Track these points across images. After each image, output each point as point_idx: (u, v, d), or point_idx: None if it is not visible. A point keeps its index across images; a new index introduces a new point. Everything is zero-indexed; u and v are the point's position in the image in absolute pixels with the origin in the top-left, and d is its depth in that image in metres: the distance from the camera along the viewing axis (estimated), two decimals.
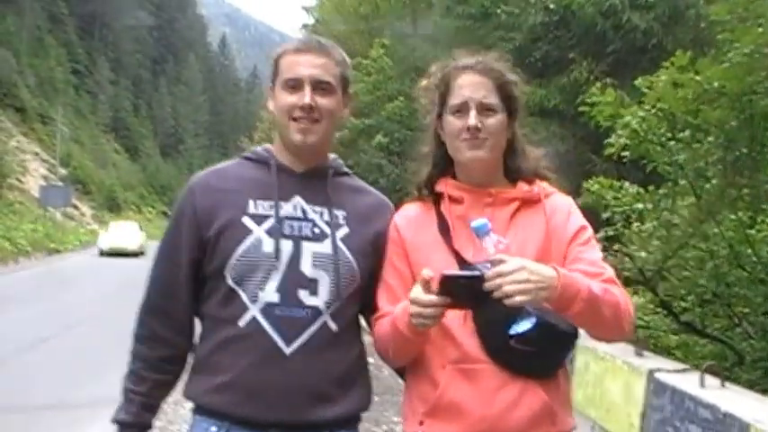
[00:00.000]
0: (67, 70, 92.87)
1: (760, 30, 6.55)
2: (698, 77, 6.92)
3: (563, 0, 15.18)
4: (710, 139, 7.58)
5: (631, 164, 9.06)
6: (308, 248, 2.80)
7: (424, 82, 2.88)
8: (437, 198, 2.85)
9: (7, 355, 11.69)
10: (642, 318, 9.75)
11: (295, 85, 2.83)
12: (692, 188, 7.87)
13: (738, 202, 8.25)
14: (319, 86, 2.84)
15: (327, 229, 2.85)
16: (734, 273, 8.71)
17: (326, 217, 2.87)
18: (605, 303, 2.51)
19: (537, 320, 2.43)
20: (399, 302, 2.67)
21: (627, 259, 8.79)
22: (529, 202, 2.77)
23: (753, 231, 9.35)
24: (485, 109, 2.67)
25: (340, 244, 2.84)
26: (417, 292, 2.45)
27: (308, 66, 2.85)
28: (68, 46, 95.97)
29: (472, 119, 2.66)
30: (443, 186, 2.81)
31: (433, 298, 2.41)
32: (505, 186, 2.80)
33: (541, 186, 2.81)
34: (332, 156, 3.05)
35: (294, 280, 2.75)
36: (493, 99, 2.68)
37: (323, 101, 2.84)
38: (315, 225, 2.85)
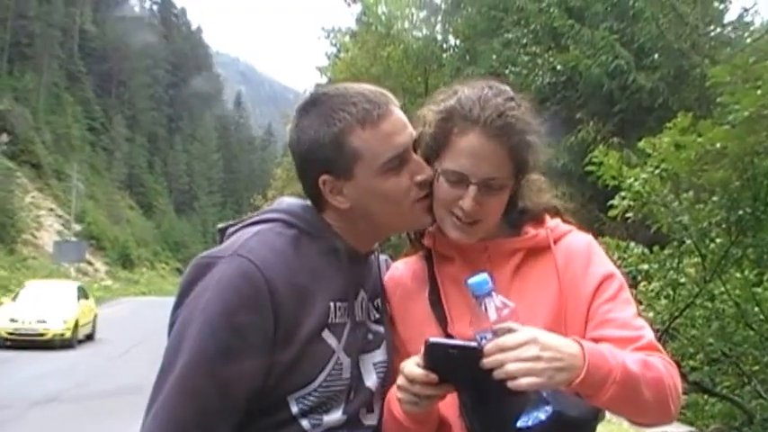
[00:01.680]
0: (84, 127, 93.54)
1: (759, 92, 6.65)
2: (700, 139, 7.00)
3: (570, 61, 15.27)
4: (715, 199, 7.63)
5: (640, 222, 9.12)
6: (369, 359, 2.27)
7: (421, 126, 2.26)
8: (430, 254, 2.34)
9: None
10: None
11: (398, 163, 2.20)
12: (696, 248, 7.89)
13: (744, 260, 8.29)
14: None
15: (381, 330, 2.32)
16: (741, 331, 8.71)
17: (373, 314, 2.32)
18: (647, 383, 1.94)
19: (552, 411, 1.90)
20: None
21: None
22: (536, 251, 2.24)
23: (759, 290, 9.29)
24: (488, 187, 2.14)
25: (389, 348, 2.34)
26: (410, 365, 1.97)
27: (400, 130, 2.23)
28: (85, 103, 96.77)
29: (468, 201, 2.13)
30: (431, 241, 2.31)
31: (418, 372, 1.92)
32: (506, 234, 2.28)
33: (552, 226, 2.27)
34: None
35: (360, 399, 2.21)
36: (501, 173, 2.14)
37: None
38: (368, 329, 2.28)
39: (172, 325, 2.10)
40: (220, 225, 2.36)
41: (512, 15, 17.12)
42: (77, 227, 71.84)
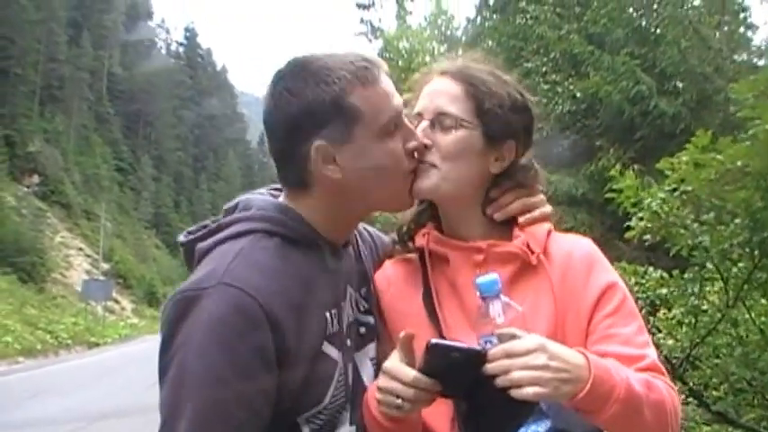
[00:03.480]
0: (112, 168, 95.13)
1: None
2: (719, 156, 6.73)
3: (590, 88, 14.98)
4: (738, 221, 7.32)
5: (662, 252, 8.89)
6: (365, 356, 2.16)
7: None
8: (423, 255, 2.21)
9: None
10: None
11: (396, 126, 2.09)
12: (718, 271, 7.59)
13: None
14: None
15: (372, 320, 2.20)
16: (765, 358, 8.39)
17: (363, 305, 2.19)
18: (649, 405, 1.85)
19: (551, 427, 1.82)
20: None
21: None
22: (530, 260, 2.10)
23: None
24: (441, 123, 2.07)
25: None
26: (395, 361, 1.85)
27: (395, 93, 2.11)
28: (113, 144, 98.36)
29: (417, 136, 2.07)
30: (424, 240, 2.20)
31: (413, 374, 1.78)
32: (496, 235, 2.16)
33: (536, 233, 2.13)
34: None
35: (362, 402, 2.08)
36: (455, 110, 2.07)
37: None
38: (360, 323, 2.16)
39: (162, 370, 1.88)
40: (182, 238, 2.15)
41: (531, 44, 16.93)
42: (105, 265, 72.72)
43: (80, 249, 73.50)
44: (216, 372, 1.82)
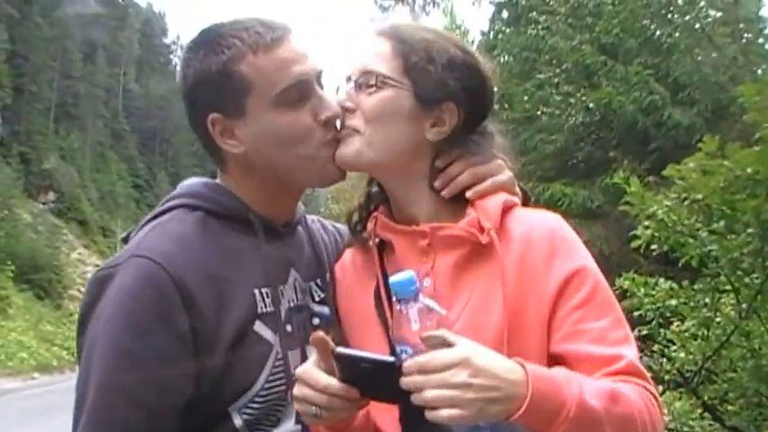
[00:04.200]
0: (128, 184, 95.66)
1: None
2: (726, 162, 6.55)
3: (602, 98, 14.84)
4: (750, 230, 7.13)
5: (683, 267, 8.74)
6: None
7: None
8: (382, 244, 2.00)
9: None
10: (687, 423, 9.20)
11: (299, 95, 1.93)
12: (729, 282, 7.40)
13: None
14: (320, 84, 2.01)
15: (326, 312, 2.05)
16: None
17: (317, 294, 2.06)
18: (611, 421, 1.58)
19: None
20: None
21: (665, 360, 8.35)
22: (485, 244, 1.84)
23: None
24: (366, 83, 1.87)
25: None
26: (308, 366, 1.65)
27: (303, 58, 1.94)
28: (129, 161, 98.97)
29: (339, 97, 1.91)
30: (372, 225, 1.99)
31: (324, 381, 1.60)
32: (445, 216, 1.92)
33: (487, 207, 1.87)
34: None
35: None
36: (382, 67, 1.86)
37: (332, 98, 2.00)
38: (312, 313, 2.03)
39: (78, 349, 1.85)
40: (123, 234, 2.08)
41: (544, 55, 16.86)
42: None
43: (97, 266, 73.41)
44: (118, 342, 1.75)
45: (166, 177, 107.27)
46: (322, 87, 1.98)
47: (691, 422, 9.54)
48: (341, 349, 1.62)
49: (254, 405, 1.85)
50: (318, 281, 2.09)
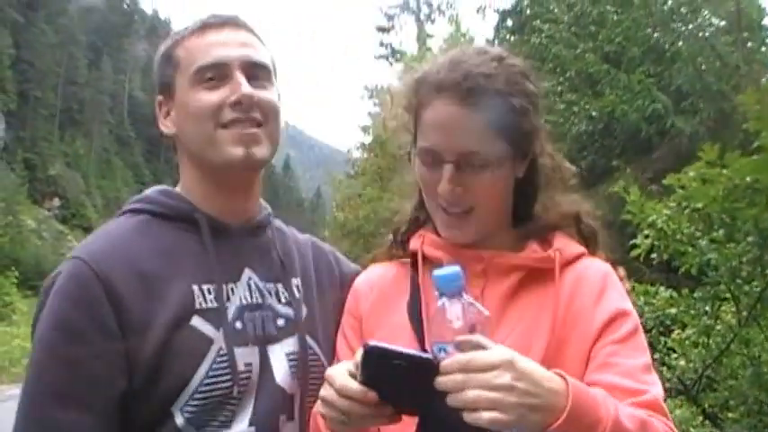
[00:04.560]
0: (134, 191, 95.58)
1: None
2: (725, 171, 6.60)
3: (606, 107, 14.87)
4: (750, 239, 7.16)
5: (684, 274, 8.79)
6: (278, 351, 1.97)
7: (392, 105, 2.01)
8: (415, 260, 2.00)
9: None
10: (688, 431, 9.24)
11: (215, 76, 1.93)
12: (729, 290, 7.43)
13: None
14: (254, 74, 1.98)
15: (292, 314, 2.02)
16: None
17: (284, 296, 2.04)
18: None
19: None
20: None
21: (665, 368, 8.39)
22: (540, 273, 1.90)
23: None
24: (469, 164, 1.81)
25: (307, 337, 2.01)
26: (336, 370, 1.62)
27: (231, 45, 1.95)
28: (135, 168, 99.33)
29: (444, 183, 1.82)
30: (418, 242, 2.00)
31: (348, 384, 1.54)
32: (509, 247, 1.95)
33: (560, 248, 1.93)
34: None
35: (272, 403, 1.92)
36: (482, 147, 1.81)
37: (263, 94, 1.98)
38: (276, 314, 2.00)
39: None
40: None
41: (548, 64, 16.89)
42: None
43: None
44: (48, 341, 1.81)
45: (172, 184, 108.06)
46: (255, 79, 1.99)
47: (692, 429, 9.59)
48: (374, 342, 1.56)
49: (195, 402, 1.82)
50: (286, 282, 2.08)
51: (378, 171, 26.16)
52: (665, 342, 8.60)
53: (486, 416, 1.43)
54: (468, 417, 1.44)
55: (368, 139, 37.63)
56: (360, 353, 1.58)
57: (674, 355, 8.68)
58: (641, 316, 7.90)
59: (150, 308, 1.82)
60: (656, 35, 15.18)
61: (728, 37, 15.06)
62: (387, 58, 32.34)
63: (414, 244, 2.03)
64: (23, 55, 75.04)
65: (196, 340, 1.85)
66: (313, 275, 2.18)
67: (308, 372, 1.98)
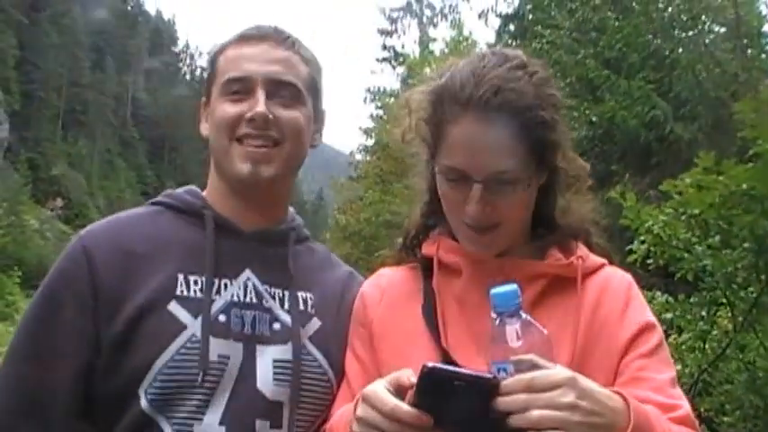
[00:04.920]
0: (137, 192, 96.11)
1: None
2: (720, 178, 6.70)
3: (606, 113, 14.97)
4: (747, 245, 7.28)
5: (681, 279, 8.88)
6: (266, 353, 1.95)
7: (409, 116, 1.93)
8: (427, 265, 1.99)
9: None
10: None
11: (240, 90, 1.98)
12: (724, 296, 7.54)
13: None
14: (279, 92, 2.00)
15: (290, 322, 2.00)
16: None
17: (288, 304, 2.02)
18: None
19: None
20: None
21: None
22: (562, 281, 1.90)
23: None
24: (497, 183, 1.78)
25: (309, 345, 1.99)
26: (380, 391, 1.54)
27: (260, 60, 1.99)
28: (138, 169, 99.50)
29: (473, 205, 1.79)
30: (433, 248, 1.98)
31: (401, 407, 1.49)
32: (529, 253, 1.95)
33: (584, 255, 1.94)
34: (290, 210, 2.25)
35: (248, 405, 1.89)
36: (511, 165, 1.78)
37: (285, 113, 2.01)
38: (274, 318, 1.98)
39: None
40: None
41: (549, 69, 16.95)
42: None
43: None
44: (32, 304, 1.95)
45: (175, 185, 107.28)
46: (279, 97, 2.03)
47: None
48: (432, 363, 1.48)
49: (158, 384, 1.84)
50: (288, 293, 2.08)
51: (380, 174, 26.16)
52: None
53: None
54: None
55: (370, 142, 37.74)
56: (405, 373, 1.55)
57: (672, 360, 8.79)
58: None
59: (128, 286, 1.89)
60: (656, 42, 15.29)
61: (728, 44, 15.17)
62: (389, 61, 32.34)
63: (428, 249, 2.01)
64: (28, 56, 75.26)
65: (168, 324, 1.88)
66: (338, 298, 2.18)
67: (300, 382, 1.95)
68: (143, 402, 1.83)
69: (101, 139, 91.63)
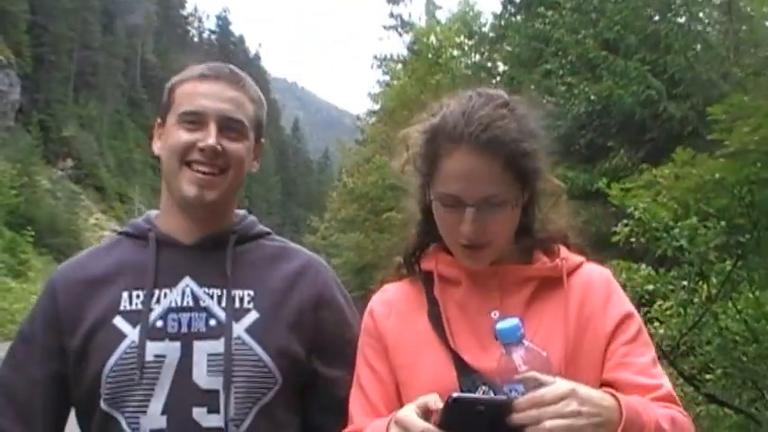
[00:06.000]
0: (145, 152, 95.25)
1: (745, 130, 7.19)
2: (693, 171, 7.51)
3: (603, 91, 15.67)
4: (723, 223, 8.09)
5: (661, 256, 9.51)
6: (202, 349, 2.14)
7: (404, 149, 2.11)
8: (427, 277, 2.13)
9: None
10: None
11: (195, 121, 2.17)
12: (700, 271, 8.45)
13: (747, 282, 8.82)
14: (228, 127, 2.20)
15: (224, 318, 2.17)
16: (743, 347, 9.12)
17: (224, 302, 2.19)
18: None
19: None
20: (377, 413, 2.01)
21: None
22: (550, 282, 2.06)
23: None
24: (488, 206, 1.94)
25: (245, 336, 2.17)
26: (410, 415, 1.72)
27: (215, 98, 2.19)
28: (146, 129, 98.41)
29: (467, 226, 1.95)
30: (432, 263, 2.13)
31: (425, 426, 1.68)
32: (517, 260, 2.10)
33: (566, 256, 2.09)
34: (239, 213, 2.41)
35: (185, 396, 2.10)
36: (499, 189, 1.94)
37: (232, 146, 2.19)
38: (210, 315, 2.18)
39: None
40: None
41: (551, 47, 17.52)
42: None
43: (114, 231, 73.73)
44: (23, 322, 2.33)
45: None
46: (228, 131, 2.21)
47: (676, 388, 10.33)
48: (457, 395, 1.66)
49: (108, 387, 2.11)
50: (226, 292, 2.23)
51: (386, 140, 26.49)
52: (647, 312, 9.43)
53: None
54: None
55: (376, 107, 38.06)
56: (432, 398, 1.74)
57: (656, 324, 9.59)
58: (624, 288, 8.90)
59: (84, 308, 2.18)
60: (653, 23, 15.87)
61: (720, 27, 15.77)
62: (396, 29, 32.69)
63: (428, 264, 2.14)
64: (39, 20, 74.77)
65: (112, 335, 2.13)
66: (282, 290, 2.30)
67: (232, 371, 2.12)
68: (102, 404, 2.12)
69: (111, 100, 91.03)
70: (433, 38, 31.01)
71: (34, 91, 73.79)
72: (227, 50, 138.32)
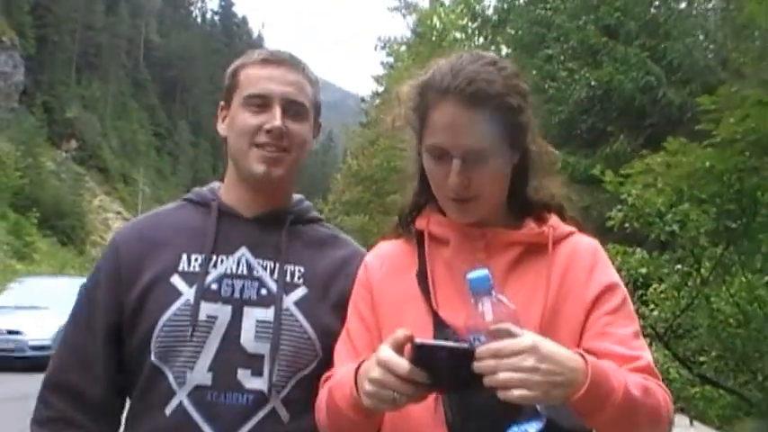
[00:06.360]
0: (149, 133, 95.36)
1: (731, 120, 7.46)
2: (684, 159, 7.77)
3: (604, 77, 15.90)
4: (714, 210, 8.39)
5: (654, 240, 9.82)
6: (251, 315, 2.23)
7: (399, 106, 2.12)
8: (420, 237, 2.16)
9: None
10: (667, 371, 10.34)
11: (261, 104, 2.27)
12: (692, 255, 8.73)
13: (738, 266, 9.10)
14: (291, 109, 2.29)
15: (275, 289, 2.27)
16: (733, 330, 9.38)
17: (276, 274, 2.29)
18: (645, 410, 1.80)
19: (543, 425, 1.70)
20: (359, 357, 1.96)
21: (640, 320, 9.56)
22: (536, 247, 2.05)
23: (763, 292, 9.81)
24: (474, 158, 1.95)
25: (293, 308, 2.26)
26: (389, 353, 1.73)
27: (278, 82, 2.29)
28: (150, 110, 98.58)
29: (453, 177, 1.97)
30: (424, 222, 2.16)
31: (409, 367, 1.68)
32: (507, 224, 2.10)
33: (554, 224, 2.08)
34: (297, 197, 2.49)
35: (231, 356, 2.19)
36: (486, 141, 1.95)
37: (295, 127, 2.29)
38: (262, 285, 2.28)
39: None
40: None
41: (552, 32, 17.71)
42: None
43: (118, 213, 73.63)
44: (87, 279, 2.42)
45: (187, 126, 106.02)
46: (291, 113, 2.28)
47: (671, 369, 10.68)
48: (419, 340, 1.69)
49: (160, 340, 2.20)
50: (278, 265, 2.31)
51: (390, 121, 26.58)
52: (641, 295, 9.83)
53: (516, 393, 1.60)
54: (502, 394, 1.61)
55: (380, 89, 38.07)
56: (400, 331, 1.76)
57: (651, 307, 9.87)
58: (618, 272, 9.20)
59: (144, 265, 2.27)
60: (652, 11, 16.07)
61: (720, 13, 15.95)
62: (400, 11, 32.85)
63: (420, 224, 2.16)
64: (42, 1, 74.46)
65: (169, 292, 2.22)
66: (329, 273, 2.38)
67: (280, 340, 2.20)
68: (152, 356, 2.21)
69: (114, 81, 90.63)
70: (436, 20, 31.09)
71: (38, 72, 73.45)
72: (231, 32, 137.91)
